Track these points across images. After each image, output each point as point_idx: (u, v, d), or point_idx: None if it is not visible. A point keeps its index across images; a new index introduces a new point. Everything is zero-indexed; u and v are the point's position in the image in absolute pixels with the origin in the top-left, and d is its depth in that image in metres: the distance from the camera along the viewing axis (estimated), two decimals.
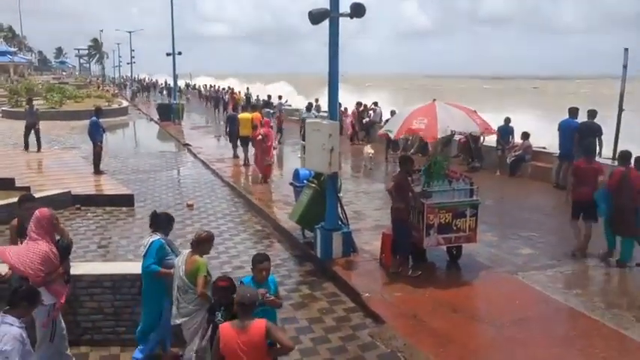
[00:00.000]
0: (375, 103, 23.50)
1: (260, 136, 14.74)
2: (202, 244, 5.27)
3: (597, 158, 12.70)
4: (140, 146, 23.82)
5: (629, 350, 5.89)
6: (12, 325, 3.94)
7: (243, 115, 18.03)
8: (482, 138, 14.69)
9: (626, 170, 8.19)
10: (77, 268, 6.07)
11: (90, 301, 6.17)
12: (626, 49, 13.05)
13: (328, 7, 8.14)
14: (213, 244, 5.47)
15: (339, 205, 8.84)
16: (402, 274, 7.86)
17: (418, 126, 7.86)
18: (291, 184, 10.97)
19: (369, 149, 16.68)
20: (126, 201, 12.49)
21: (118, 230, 10.83)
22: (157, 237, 5.66)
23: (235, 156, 18.37)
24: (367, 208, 11.70)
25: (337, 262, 8.47)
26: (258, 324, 4.08)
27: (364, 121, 22.35)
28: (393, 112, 16.81)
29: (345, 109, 23.01)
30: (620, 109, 13.27)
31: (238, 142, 17.93)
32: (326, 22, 8.20)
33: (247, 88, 31.88)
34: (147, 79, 72.44)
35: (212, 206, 12.79)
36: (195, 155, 19.97)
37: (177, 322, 5.19)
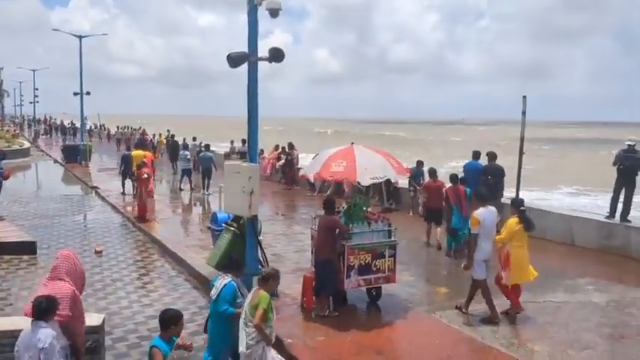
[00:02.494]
0: (290, 145, 23.67)
1: (146, 175, 15.26)
2: (268, 280, 5.54)
3: (502, 199, 13.56)
4: (43, 189, 22.48)
5: None
6: (46, 327, 4.50)
7: (136, 153, 19.05)
8: (396, 181, 15.09)
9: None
10: None
11: None
12: (524, 97, 13.97)
13: (247, 51, 8.16)
14: (279, 281, 5.75)
15: (259, 248, 8.69)
16: (328, 316, 7.79)
17: (337, 169, 7.97)
18: (208, 227, 10.68)
19: None
20: (27, 248, 11.63)
21: (18, 280, 10.03)
22: (228, 279, 5.77)
23: (123, 193, 19.18)
24: (287, 251, 11.59)
25: None
26: None
27: (280, 162, 22.43)
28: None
29: (262, 150, 23.00)
30: (521, 152, 14.12)
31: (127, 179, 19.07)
32: (242, 66, 8.19)
33: (168, 130, 31.23)
34: (51, 119, 68.93)
35: (123, 252, 12.19)
36: (103, 198, 19.09)
37: (240, 350, 5.32)
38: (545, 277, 9.74)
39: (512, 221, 7.78)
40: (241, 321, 5.40)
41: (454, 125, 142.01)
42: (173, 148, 26.00)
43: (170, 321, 4.57)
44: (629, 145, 11.67)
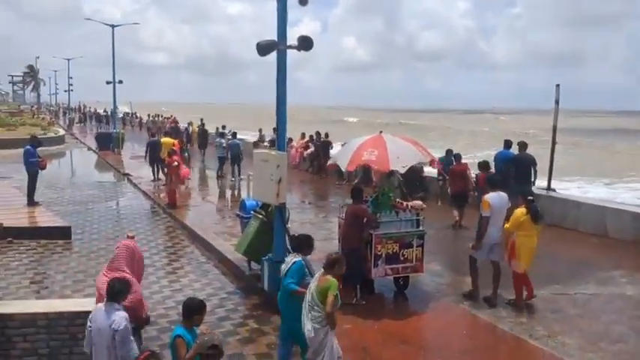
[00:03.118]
0: (318, 134, 23.66)
1: (176, 163, 15.46)
2: (334, 265, 5.50)
3: (533, 188, 13.38)
4: (77, 176, 22.98)
5: None
6: (119, 310, 4.68)
7: (165, 140, 19.40)
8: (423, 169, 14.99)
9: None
10: (8, 306, 5.71)
11: (22, 342, 5.78)
12: (558, 85, 13.73)
13: (275, 39, 8.17)
14: (345, 266, 5.67)
15: (286, 236, 8.74)
16: (355, 304, 7.82)
17: (369, 157, 7.95)
18: (237, 215, 10.80)
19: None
20: (62, 233, 11.92)
21: (53, 264, 10.30)
22: (298, 258, 5.98)
23: (154, 179, 19.62)
24: (315, 239, 11.59)
25: None
26: None
27: (309, 151, 22.46)
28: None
29: (290, 139, 23.06)
30: (554, 142, 13.89)
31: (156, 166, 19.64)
32: (271, 54, 8.20)
33: (201, 120, 31.66)
34: (85, 107, 70.20)
35: (154, 238, 12.42)
36: (135, 185, 19.43)
37: (306, 333, 5.41)
38: (577, 268, 9.63)
39: (519, 211, 7.78)
40: (306, 303, 5.46)
41: (482, 114, 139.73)
42: (202, 136, 26.25)
43: (196, 310, 4.59)
44: None
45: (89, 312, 5.92)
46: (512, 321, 7.44)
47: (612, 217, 11.96)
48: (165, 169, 17.46)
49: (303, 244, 6.27)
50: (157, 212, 15.26)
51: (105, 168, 24.86)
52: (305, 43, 8.08)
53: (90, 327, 4.74)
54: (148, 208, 15.96)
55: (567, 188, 16.45)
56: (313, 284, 5.50)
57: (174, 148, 17.08)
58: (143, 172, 20.90)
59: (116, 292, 4.78)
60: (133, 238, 11.96)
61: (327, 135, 22.37)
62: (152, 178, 19.75)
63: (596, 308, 7.96)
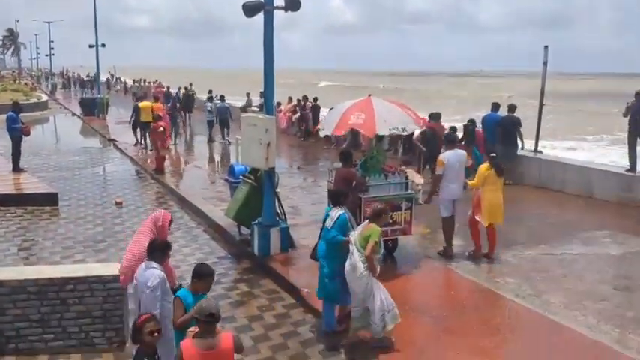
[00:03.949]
0: (306, 98, 23.47)
1: (162, 128, 15.21)
2: (380, 215, 5.91)
3: (518, 150, 13.49)
4: (62, 142, 22.70)
5: (556, 334, 6.17)
6: (156, 268, 4.80)
7: (143, 104, 19.16)
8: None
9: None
10: None
11: (13, 308, 5.78)
12: (546, 47, 13.68)
13: (262, 0, 8.00)
14: (388, 216, 6.28)
15: (276, 200, 8.75)
16: None
17: (356, 121, 7.89)
18: (225, 180, 10.77)
19: (418, 179, 9.54)
20: (49, 200, 11.85)
21: (41, 231, 10.27)
22: (342, 211, 6.19)
23: (137, 143, 19.75)
24: (304, 203, 11.68)
25: (275, 259, 8.40)
26: (226, 340, 3.81)
27: (297, 115, 22.31)
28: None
29: (279, 103, 22.89)
30: (541, 104, 13.89)
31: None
32: (258, 16, 8.05)
33: (190, 84, 31.24)
34: (68, 72, 68.81)
35: (142, 204, 12.39)
36: (122, 151, 19.27)
37: (355, 274, 5.66)
38: (563, 229, 9.77)
39: (483, 167, 8.19)
40: (354, 246, 5.74)
41: (469, 77, 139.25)
42: (187, 101, 25.99)
43: (195, 274, 4.63)
44: (638, 93, 11.37)
45: (79, 277, 5.96)
46: (498, 281, 7.57)
47: (597, 178, 12.09)
48: (148, 134, 17.38)
49: (341, 196, 6.45)
50: (144, 178, 15.18)
51: (90, 134, 24.57)
52: (292, 4, 7.94)
53: (136, 282, 4.94)
54: (135, 174, 15.86)
55: (548, 150, 16.55)
56: (357, 232, 5.84)
57: (159, 113, 16.84)
58: (129, 138, 20.68)
59: (153, 249, 4.93)
60: (120, 204, 12.08)
61: (315, 99, 22.19)
62: (134, 142, 19.87)
63: (581, 268, 8.11)
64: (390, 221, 8.17)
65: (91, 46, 30.49)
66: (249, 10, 7.83)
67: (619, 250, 8.80)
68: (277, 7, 8.02)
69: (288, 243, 8.69)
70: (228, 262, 8.82)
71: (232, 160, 14.08)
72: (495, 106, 14.08)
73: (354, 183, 7.91)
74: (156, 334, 3.96)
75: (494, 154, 8.47)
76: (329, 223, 6.19)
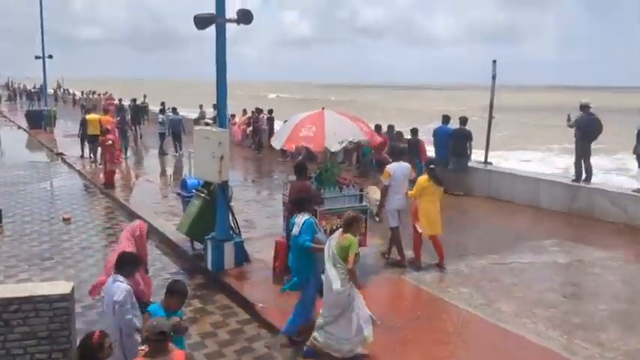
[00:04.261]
0: (260, 111, 23.43)
1: (110, 142, 14.86)
2: (352, 224, 5.80)
3: (469, 162, 13.85)
4: (7, 156, 21.81)
5: (507, 342, 6.29)
6: (122, 282, 4.77)
7: (91, 117, 18.81)
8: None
9: None
10: None
11: None
12: (494, 61, 14.08)
13: (214, 12, 7.94)
14: (362, 224, 6.28)
15: (230, 214, 8.65)
16: None
17: (306, 134, 7.92)
18: (178, 194, 10.57)
19: (373, 193, 9.78)
20: None
21: None
22: (307, 216, 6.27)
23: (82, 156, 19.43)
24: (259, 217, 11.58)
25: (229, 273, 8.28)
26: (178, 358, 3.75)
27: (251, 128, 22.20)
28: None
29: (233, 115, 22.73)
30: (490, 117, 14.28)
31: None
32: (211, 28, 7.99)
33: (144, 96, 30.63)
34: (14, 83, 66.37)
35: (91, 219, 12.02)
36: (70, 165, 18.69)
37: (334, 287, 5.63)
38: (512, 239, 10.02)
39: (422, 178, 8.45)
40: (328, 260, 5.71)
41: (421, 90, 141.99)
42: (136, 113, 25.57)
43: (167, 289, 4.58)
44: (584, 105, 11.85)
45: (23, 297, 5.69)
46: (451, 290, 7.68)
47: (544, 188, 12.47)
48: (99, 148, 16.96)
49: (305, 202, 6.52)
50: (93, 192, 14.76)
51: (37, 147, 23.75)
52: (245, 17, 7.92)
53: (104, 294, 4.96)
54: (84, 188, 15.41)
55: (498, 161, 17.07)
56: (333, 242, 5.78)
57: (108, 126, 16.45)
58: (77, 151, 20.08)
59: (122, 263, 4.90)
60: (68, 220, 11.70)
61: (270, 111, 22.16)
62: (80, 154, 19.57)
63: (530, 276, 8.32)
64: None
65: (37, 57, 29.55)
66: (201, 23, 7.77)
67: (566, 258, 9.08)
68: (229, 20, 7.97)
69: (242, 257, 8.59)
70: (181, 278, 8.59)
71: (185, 174, 13.87)
72: (446, 119, 14.40)
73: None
74: (112, 347, 3.92)
75: (433, 166, 8.71)
76: (295, 230, 6.23)
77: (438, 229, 8.47)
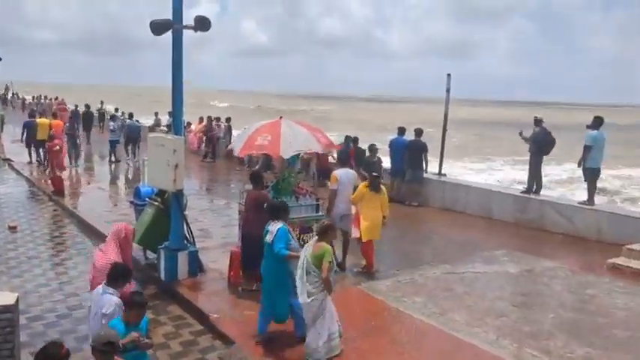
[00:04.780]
0: (217, 119, 23.27)
1: (57, 147, 14.64)
2: (326, 232, 5.89)
3: (424, 174, 14.09)
4: None
5: (459, 350, 6.40)
6: (112, 295, 4.74)
7: (41, 121, 18.75)
8: (329, 156, 15.15)
9: None
10: None
11: None
12: (449, 75, 14.41)
13: (171, 18, 7.85)
14: (336, 233, 6.32)
15: (184, 223, 8.51)
16: (255, 290, 7.78)
17: (262, 142, 7.92)
18: (131, 202, 10.34)
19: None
20: None
21: None
22: (280, 224, 6.25)
23: (30, 162, 19.01)
24: (214, 226, 11.43)
25: (183, 283, 8.13)
26: None
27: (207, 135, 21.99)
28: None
29: (189, 123, 22.46)
30: (444, 129, 14.58)
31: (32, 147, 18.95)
32: (168, 35, 7.89)
33: (102, 102, 29.88)
34: None
35: (39, 228, 11.62)
36: (17, 172, 18.02)
37: (301, 300, 5.75)
38: (466, 249, 10.22)
39: (362, 185, 8.66)
40: (300, 270, 5.78)
41: (376, 102, 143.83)
42: (86, 119, 24.98)
43: (126, 303, 4.43)
44: (538, 120, 12.29)
45: None
46: (406, 300, 7.75)
47: (497, 200, 12.80)
48: (47, 154, 16.51)
49: (281, 210, 6.52)
50: (42, 200, 14.27)
51: None
52: (202, 24, 7.86)
53: (90, 304, 4.94)
54: (32, 195, 14.88)
55: (453, 172, 17.51)
56: (308, 251, 5.84)
57: (55, 132, 16.00)
58: (26, 158, 19.43)
59: (115, 277, 4.86)
60: (15, 228, 11.26)
61: (228, 119, 22.04)
62: (28, 160, 19.08)
63: (482, 286, 8.50)
64: (301, 243, 8.18)
65: None
66: (157, 29, 7.66)
67: (516, 268, 9.32)
68: (186, 27, 7.89)
69: (196, 267, 8.45)
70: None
71: (138, 182, 13.59)
72: (401, 130, 14.61)
73: (265, 205, 7.86)
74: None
75: (376, 174, 8.99)
76: (269, 238, 6.24)
77: (376, 235, 8.65)
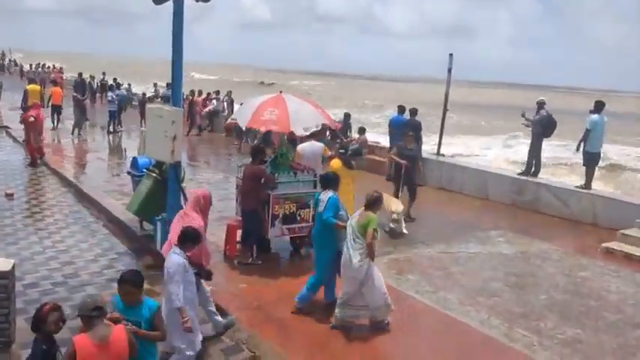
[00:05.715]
0: (217, 92, 23.16)
1: (32, 118, 14.28)
2: (374, 204, 6.17)
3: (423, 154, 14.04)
4: None
5: (451, 328, 6.48)
6: (178, 255, 5.09)
7: (32, 87, 18.37)
8: (327, 132, 15.11)
9: None
10: None
11: None
12: (451, 55, 14.28)
13: None
14: (382, 203, 6.53)
15: (182, 195, 8.51)
16: (251, 264, 7.84)
17: (269, 117, 7.87)
18: (128, 173, 10.33)
19: (396, 205, 9.88)
20: None
21: None
22: (331, 193, 6.55)
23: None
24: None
25: None
26: (119, 334, 3.67)
27: (206, 110, 21.88)
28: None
29: (187, 95, 22.33)
30: (445, 109, 14.52)
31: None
32: (168, 5, 7.79)
33: (104, 73, 29.63)
34: None
35: (36, 195, 11.63)
36: (15, 139, 17.95)
37: (353, 263, 5.97)
38: (460, 229, 10.27)
39: (334, 161, 8.92)
40: (349, 237, 6.06)
41: (373, 80, 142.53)
42: (80, 88, 24.80)
43: (122, 280, 4.31)
44: (541, 102, 12.23)
45: None
46: (400, 277, 7.81)
47: (493, 181, 12.84)
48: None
49: (331, 181, 6.76)
50: (40, 169, 14.23)
51: None
52: None
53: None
54: (30, 163, 14.83)
55: (450, 151, 17.53)
56: (353, 220, 6.13)
57: (34, 101, 15.77)
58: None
59: (184, 239, 5.19)
60: (11, 195, 11.26)
61: (229, 93, 21.96)
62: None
63: (475, 266, 8.56)
64: (299, 218, 8.22)
65: None
66: None
67: (510, 249, 9.38)
68: None
69: None
70: (129, 259, 8.47)
71: (135, 152, 13.56)
72: (401, 109, 14.57)
73: (262, 180, 7.87)
74: (61, 324, 3.79)
75: (343, 151, 9.39)
76: (321, 207, 6.51)
77: (350, 210, 8.65)
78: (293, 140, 10.49)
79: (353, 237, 6.05)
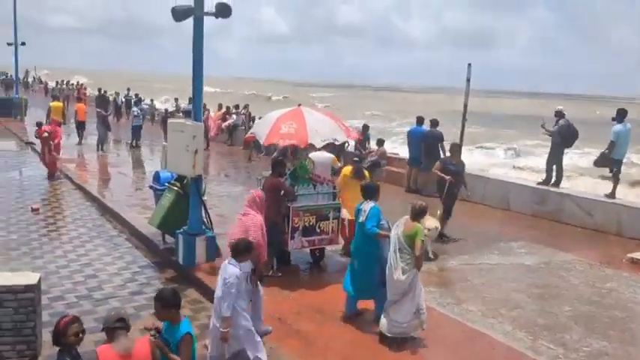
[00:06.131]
0: (237, 107, 23.39)
1: (46, 134, 14.66)
2: (419, 214, 6.20)
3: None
4: None
5: (474, 341, 6.40)
6: (235, 266, 5.29)
7: (55, 104, 19.76)
8: (347, 143, 15.13)
9: None
10: None
11: None
12: (469, 65, 14.23)
13: (192, 5, 7.89)
14: (427, 213, 6.51)
15: (203, 208, 8.60)
16: (271, 276, 7.86)
17: (288, 130, 7.93)
18: (150, 187, 10.47)
19: (429, 222, 8.55)
20: None
21: None
22: (373, 203, 6.56)
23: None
24: (232, 212, 11.45)
25: (201, 268, 8.24)
26: (142, 345, 3.72)
27: (226, 124, 22.10)
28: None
29: (208, 110, 22.59)
30: (464, 119, 14.45)
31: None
32: (188, 21, 7.93)
33: (128, 89, 30.25)
34: None
35: (61, 210, 11.84)
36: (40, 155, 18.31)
37: (395, 277, 5.98)
38: (482, 240, 10.18)
39: (345, 169, 9.08)
40: (393, 248, 6.05)
41: (393, 92, 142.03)
42: (102, 104, 25.23)
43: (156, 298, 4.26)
44: (560, 112, 12.12)
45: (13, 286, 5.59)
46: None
47: (514, 192, 12.72)
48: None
49: (373, 191, 6.78)
50: (64, 183, 14.50)
51: (5, 136, 23.18)
52: (223, 11, 7.87)
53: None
54: (55, 178, 15.11)
55: (474, 163, 17.40)
56: (399, 230, 6.11)
57: (52, 119, 16.33)
58: None
59: (237, 252, 5.40)
60: (37, 210, 11.47)
61: (246, 106, 22.15)
62: None
63: (498, 277, 8.47)
64: (318, 230, 8.23)
65: (9, 44, 28.88)
66: (178, 15, 7.70)
67: (533, 260, 9.27)
68: (207, 13, 7.92)
69: (214, 252, 8.54)
70: (151, 272, 8.56)
71: (157, 167, 13.73)
72: (420, 120, 14.55)
73: (282, 192, 7.91)
74: (80, 335, 3.82)
75: (357, 159, 9.59)
76: (362, 217, 6.51)
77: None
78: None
79: (399, 247, 6.03)
